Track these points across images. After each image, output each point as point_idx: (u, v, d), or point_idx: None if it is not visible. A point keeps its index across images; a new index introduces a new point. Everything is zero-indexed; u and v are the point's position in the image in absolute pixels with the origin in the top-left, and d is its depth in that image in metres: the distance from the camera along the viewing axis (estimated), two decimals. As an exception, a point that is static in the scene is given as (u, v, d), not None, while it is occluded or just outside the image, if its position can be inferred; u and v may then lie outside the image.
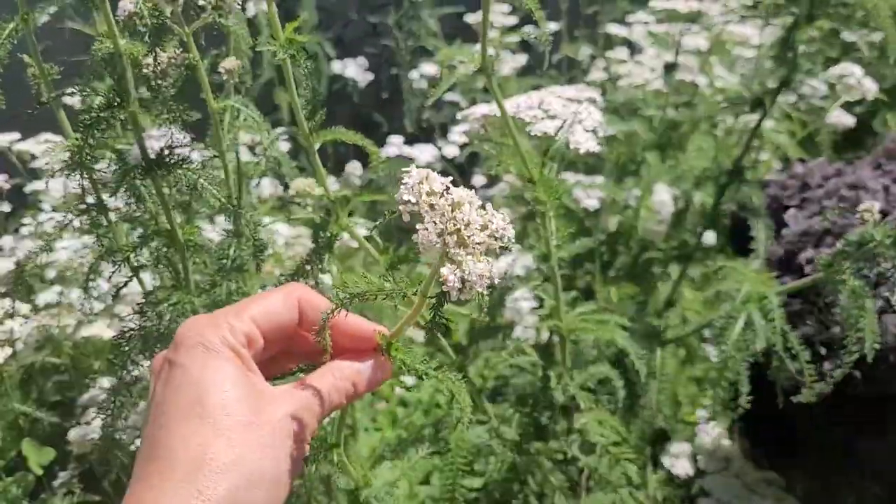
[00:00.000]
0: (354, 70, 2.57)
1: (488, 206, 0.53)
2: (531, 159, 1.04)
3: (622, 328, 1.20)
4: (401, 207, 0.51)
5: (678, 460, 1.53)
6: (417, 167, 0.53)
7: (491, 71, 0.95)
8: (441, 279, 0.51)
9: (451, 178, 0.53)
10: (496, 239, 0.52)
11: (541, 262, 1.16)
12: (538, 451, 1.31)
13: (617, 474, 1.32)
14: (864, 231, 1.04)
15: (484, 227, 0.52)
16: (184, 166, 0.87)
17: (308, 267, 1.00)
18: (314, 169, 0.97)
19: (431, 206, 0.51)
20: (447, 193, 0.52)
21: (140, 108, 0.85)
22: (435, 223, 0.51)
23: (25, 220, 1.81)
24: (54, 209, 1.83)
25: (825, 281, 1.09)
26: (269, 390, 0.56)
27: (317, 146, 0.95)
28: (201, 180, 0.87)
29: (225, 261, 0.98)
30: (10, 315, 1.61)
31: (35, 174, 1.86)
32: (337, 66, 2.58)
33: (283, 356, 0.64)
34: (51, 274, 1.69)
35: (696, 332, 1.49)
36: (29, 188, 1.87)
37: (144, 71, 0.80)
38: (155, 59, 0.78)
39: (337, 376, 0.59)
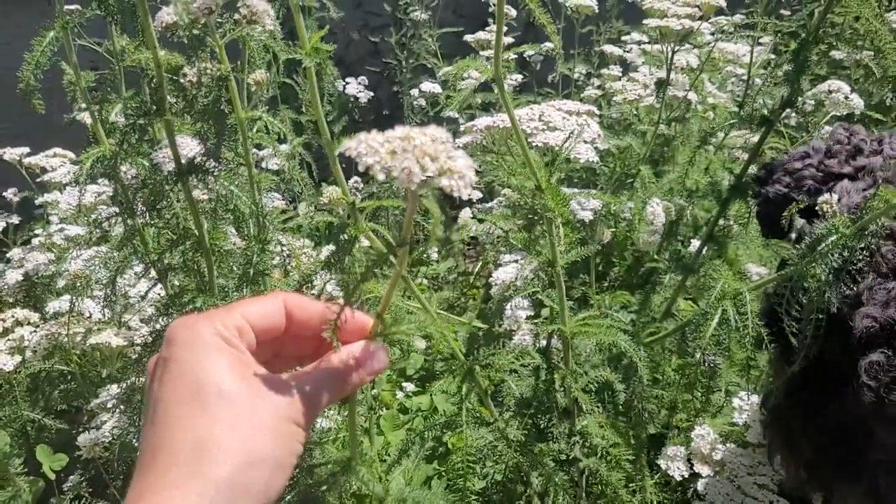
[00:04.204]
0: (355, 88, 2.61)
1: (416, 129, 0.55)
2: (539, 167, 1.08)
3: (624, 332, 1.23)
4: (375, 169, 0.52)
5: (674, 462, 1.56)
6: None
7: (503, 81, 0.99)
8: (448, 190, 0.52)
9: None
10: (445, 143, 0.53)
11: (546, 267, 1.20)
12: (541, 452, 1.34)
13: (617, 476, 1.35)
14: (828, 223, 1.02)
15: (434, 140, 0.53)
16: (214, 174, 0.91)
17: (326, 272, 1.04)
18: (335, 174, 1.01)
19: (393, 153, 0.52)
20: (389, 138, 0.53)
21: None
22: (406, 159, 0.52)
23: (37, 231, 1.83)
24: (63, 220, 1.85)
25: (799, 274, 1.07)
26: (269, 376, 0.58)
27: (337, 152, 0.99)
28: (232, 187, 0.90)
29: (249, 266, 1.01)
30: (21, 323, 1.62)
31: (44, 187, 1.89)
32: (338, 84, 2.62)
33: (274, 361, 0.64)
34: (60, 283, 1.71)
35: (677, 332, 1.50)
36: (39, 200, 1.89)
37: (182, 81, 0.84)
38: (198, 71, 0.82)
39: (336, 364, 0.61)
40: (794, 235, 1.16)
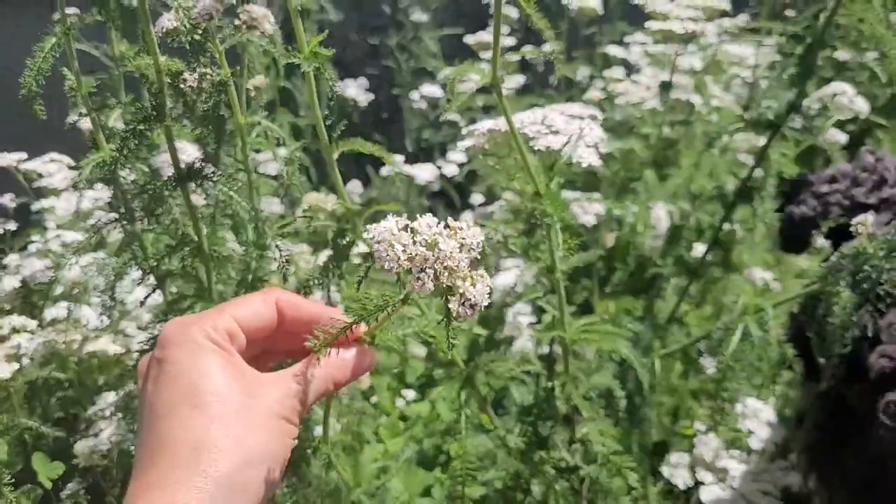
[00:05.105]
0: (355, 90, 2.60)
1: (450, 222, 0.56)
2: (538, 172, 1.07)
3: (625, 339, 1.22)
4: (391, 271, 0.54)
5: (677, 470, 1.54)
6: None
7: (500, 86, 0.99)
8: (453, 314, 0.54)
9: (405, 218, 0.56)
10: (473, 250, 0.55)
11: (545, 274, 1.19)
12: (542, 460, 1.33)
13: (618, 483, 1.34)
14: (857, 244, 1.03)
15: (462, 248, 0.54)
16: (214, 179, 0.90)
17: (324, 276, 1.03)
18: (333, 179, 1.00)
19: (411, 259, 0.54)
20: (416, 238, 0.54)
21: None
22: (423, 270, 0.54)
23: (34, 238, 1.82)
24: (60, 227, 1.84)
25: (821, 293, 1.08)
26: (259, 376, 0.60)
27: (335, 156, 0.98)
28: (231, 192, 0.90)
29: (247, 272, 1.01)
30: (18, 331, 1.61)
31: (41, 193, 1.88)
32: (337, 87, 2.59)
33: (265, 356, 0.67)
34: (58, 290, 1.70)
35: (693, 345, 1.51)
36: (36, 206, 1.88)
37: (182, 87, 0.83)
38: (200, 77, 0.82)
39: (323, 364, 0.62)
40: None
